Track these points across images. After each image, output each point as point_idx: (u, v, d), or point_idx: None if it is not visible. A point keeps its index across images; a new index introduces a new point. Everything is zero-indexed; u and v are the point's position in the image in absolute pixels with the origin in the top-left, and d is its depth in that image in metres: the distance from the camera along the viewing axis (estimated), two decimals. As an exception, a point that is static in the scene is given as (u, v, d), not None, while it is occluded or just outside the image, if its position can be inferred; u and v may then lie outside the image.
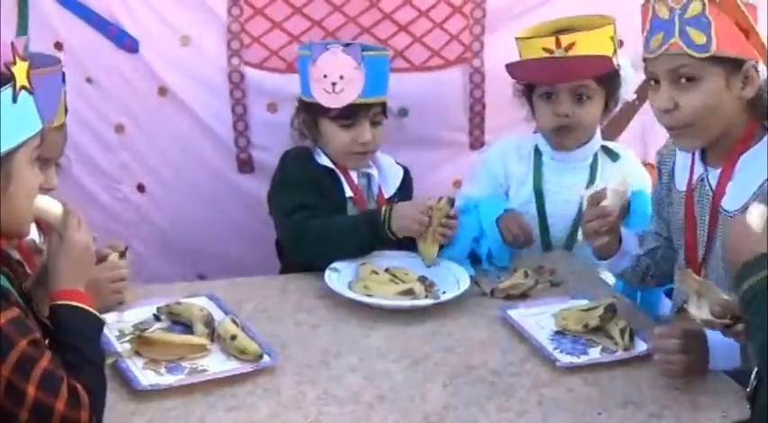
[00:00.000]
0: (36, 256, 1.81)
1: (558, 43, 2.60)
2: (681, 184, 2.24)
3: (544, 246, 2.76)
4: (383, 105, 2.69)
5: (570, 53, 2.59)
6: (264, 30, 2.96)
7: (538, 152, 2.77)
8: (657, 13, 2.05)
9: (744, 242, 1.75)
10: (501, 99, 2.90)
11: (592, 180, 2.73)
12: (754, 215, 1.79)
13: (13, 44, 1.65)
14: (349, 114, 2.62)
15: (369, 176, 2.74)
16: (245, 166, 3.06)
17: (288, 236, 2.61)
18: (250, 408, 1.91)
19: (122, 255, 2.13)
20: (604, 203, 2.24)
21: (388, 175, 2.76)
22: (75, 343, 1.70)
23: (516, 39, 2.70)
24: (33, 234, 1.83)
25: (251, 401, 1.93)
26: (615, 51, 2.67)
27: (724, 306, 1.83)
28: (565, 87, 2.64)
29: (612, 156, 2.77)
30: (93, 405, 1.64)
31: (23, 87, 1.65)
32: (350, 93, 2.59)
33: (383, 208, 2.53)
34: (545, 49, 2.62)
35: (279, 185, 2.67)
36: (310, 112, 2.68)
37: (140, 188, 3.10)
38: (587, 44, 2.61)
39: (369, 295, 2.35)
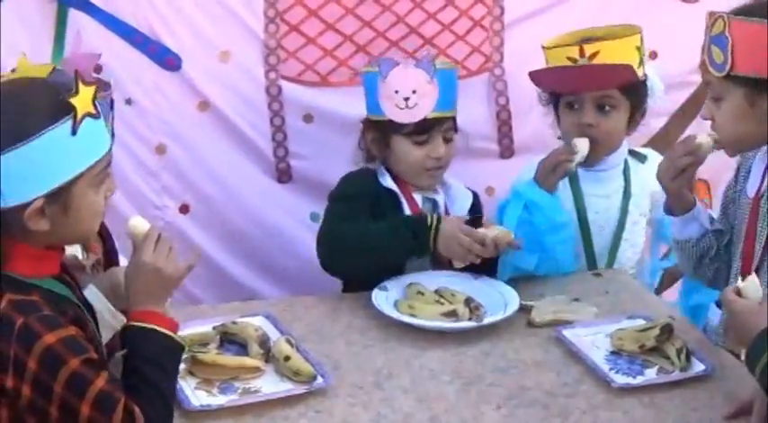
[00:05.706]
0: (78, 272, 1.80)
1: (581, 52, 2.60)
2: (751, 190, 2.22)
3: (588, 258, 2.73)
4: (454, 120, 2.64)
5: (594, 62, 2.58)
6: (299, 45, 3.07)
7: None
8: (707, 27, 2.05)
9: (747, 320, 1.78)
10: (526, 107, 3.05)
11: (627, 185, 2.72)
12: (750, 288, 1.83)
13: (76, 72, 1.60)
14: (423, 129, 2.57)
15: (434, 202, 2.66)
16: (284, 175, 3.15)
17: (322, 239, 2.50)
18: (302, 430, 1.91)
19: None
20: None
21: (456, 198, 2.69)
22: (138, 365, 1.68)
23: (543, 47, 2.70)
24: (77, 250, 1.82)
25: (303, 424, 1.93)
26: (641, 61, 2.65)
27: None
28: (588, 97, 2.64)
29: (640, 158, 2.75)
30: None
31: (87, 114, 1.60)
32: (423, 107, 2.55)
33: (429, 216, 2.46)
34: (569, 58, 2.61)
35: (332, 199, 2.63)
36: (381, 131, 2.62)
37: (183, 209, 3.11)
38: (611, 53, 2.59)
39: (413, 316, 2.32)
